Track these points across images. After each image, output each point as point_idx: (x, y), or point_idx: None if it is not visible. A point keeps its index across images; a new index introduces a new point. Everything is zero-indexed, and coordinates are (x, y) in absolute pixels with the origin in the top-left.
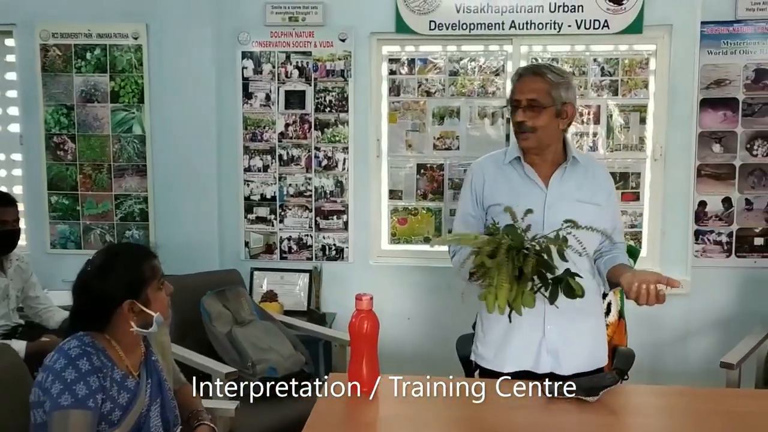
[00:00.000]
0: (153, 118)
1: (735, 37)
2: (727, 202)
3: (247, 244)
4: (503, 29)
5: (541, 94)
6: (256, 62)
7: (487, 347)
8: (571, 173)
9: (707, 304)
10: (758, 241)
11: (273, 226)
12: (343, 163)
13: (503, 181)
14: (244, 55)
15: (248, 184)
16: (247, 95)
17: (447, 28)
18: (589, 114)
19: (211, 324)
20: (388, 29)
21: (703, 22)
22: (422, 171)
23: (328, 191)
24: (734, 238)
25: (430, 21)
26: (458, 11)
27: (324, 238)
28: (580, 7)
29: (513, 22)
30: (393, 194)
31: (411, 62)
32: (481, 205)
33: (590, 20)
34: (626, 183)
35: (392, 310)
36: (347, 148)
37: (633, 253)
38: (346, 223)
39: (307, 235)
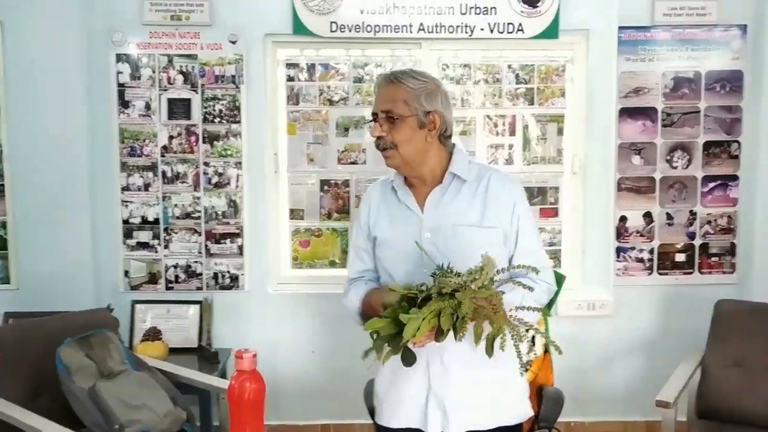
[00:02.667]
0: (10, 131)
1: (652, 43)
2: (648, 216)
3: (126, 273)
4: (411, 32)
5: (397, 104)
6: (134, 66)
7: (377, 398)
8: (455, 193)
9: (630, 325)
10: (680, 257)
11: (157, 252)
12: (237, 180)
13: (384, 209)
14: (119, 58)
15: (127, 205)
16: (124, 104)
17: (350, 30)
18: (504, 125)
19: (70, 379)
20: (285, 31)
21: (620, 28)
22: (326, 188)
23: (219, 212)
24: (656, 254)
25: (331, 22)
26: (362, 12)
27: (216, 264)
28: (493, 9)
29: (422, 24)
30: (294, 214)
31: (311, 67)
32: (370, 239)
33: (504, 23)
34: (544, 198)
35: (294, 343)
36: (240, 163)
37: (559, 280)
38: (241, 248)
39: (197, 262)
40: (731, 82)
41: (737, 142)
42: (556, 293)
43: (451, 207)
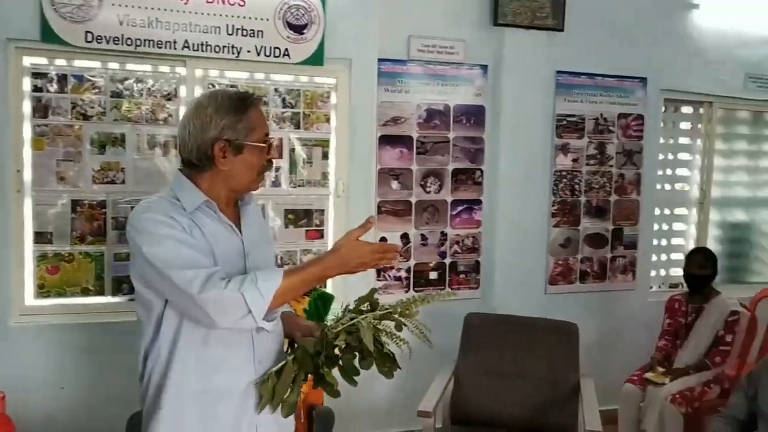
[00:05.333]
0: None
1: (408, 76)
2: (405, 237)
3: None
4: (175, 48)
5: None
6: None
7: None
8: (247, 211)
9: None
10: (433, 275)
11: None
12: None
13: (196, 231)
14: None
15: None
16: None
17: (107, 42)
18: None
19: None
20: (32, 37)
21: (380, 60)
22: (78, 209)
23: None
24: (412, 273)
25: (87, 32)
26: (122, 23)
27: None
28: (260, 33)
29: (186, 41)
30: (40, 237)
31: (62, 78)
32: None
33: (270, 47)
34: (310, 220)
35: (42, 380)
36: None
37: (326, 299)
38: None
39: None
40: (475, 115)
41: (480, 169)
42: (326, 312)
43: (254, 226)
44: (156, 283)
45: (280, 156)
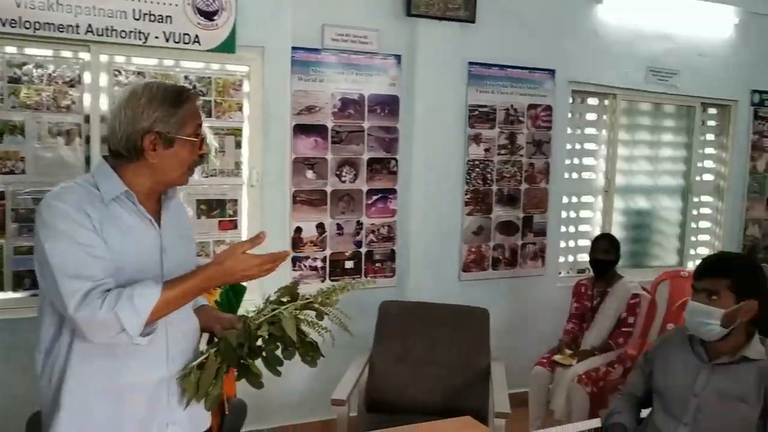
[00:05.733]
0: None
1: (322, 65)
2: (320, 227)
3: None
4: (78, 33)
5: None
6: None
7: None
8: (169, 206)
9: None
10: (349, 264)
11: None
12: None
13: (110, 222)
14: None
15: None
16: None
17: (3, 25)
18: None
19: None
20: None
21: (293, 48)
22: None
23: None
24: (328, 262)
25: None
26: (19, 5)
27: None
28: (169, 18)
29: (90, 26)
30: None
31: None
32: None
33: (180, 34)
34: (223, 210)
35: None
36: None
37: (238, 290)
38: None
39: None
40: (389, 105)
41: (395, 159)
42: (238, 304)
43: (174, 220)
44: (49, 280)
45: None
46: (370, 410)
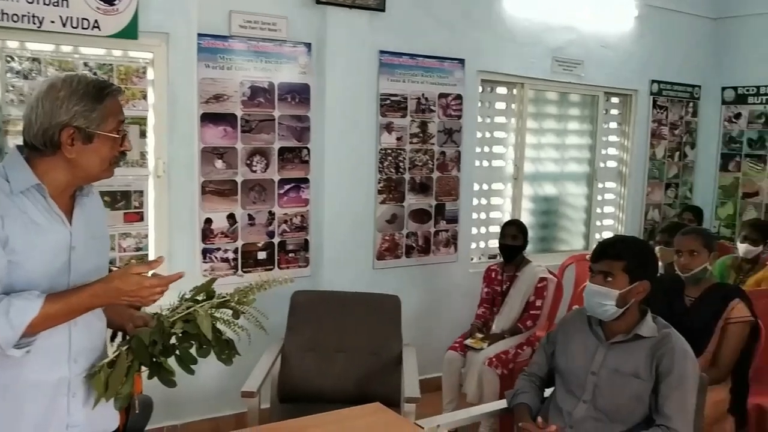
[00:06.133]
0: None
1: (230, 52)
2: (231, 218)
3: None
4: None
5: None
6: None
7: None
8: (83, 202)
9: None
10: (261, 255)
11: None
12: None
13: (15, 217)
14: None
15: None
16: None
17: None
18: None
19: None
20: None
21: (200, 35)
22: None
23: None
24: (240, 253)
25: None
26: None
27: None
28: (65, 2)
29: None
30: None
31: None
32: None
33: (78, 18)
34: (128, 202)
35: None
36: None
37: None
38: None
39: None
40: (300, 93)
41: (307, 148)
42: None
43: (87, 217)
44: None
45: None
46: (283, 401)
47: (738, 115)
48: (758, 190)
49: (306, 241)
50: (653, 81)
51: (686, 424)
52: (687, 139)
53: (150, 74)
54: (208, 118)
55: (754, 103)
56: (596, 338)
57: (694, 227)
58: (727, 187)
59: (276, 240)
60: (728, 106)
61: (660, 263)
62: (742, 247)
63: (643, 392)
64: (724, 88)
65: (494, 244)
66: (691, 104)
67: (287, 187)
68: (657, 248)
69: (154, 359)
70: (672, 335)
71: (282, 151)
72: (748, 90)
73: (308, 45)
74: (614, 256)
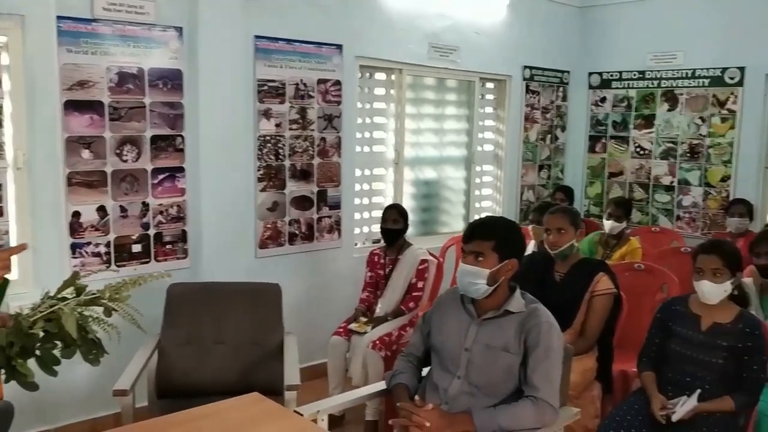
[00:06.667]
0: None
1: (95, 36)
2: (102, 210)
3: None
4: None
5: None
6: None
7: None
8: None
9: None
10: (136, 248)
11: None
12: None
13: None
14: None
15: None
16: None
17: None
18: None
19: None
20: None
21: (60, 17)
22: None
23: None
24: (112, 247)
25: None
26: None
27: None
28: None
29: None
30: None
31: None
32: None
33: None
34: None
35: None
36: None
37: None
38: None
39: None
40: (172, 79)
41: (181, 136)
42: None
43: None
44: None
45: None
46: (161, 397)
47: (603, 99)
48: (622, 170)
49: (184, 232)
50: (525, 67)
51: (553, 394)
52: (558, 123)
53: (4, 59)
54: (72, 106)
55: (617, 88)
56: (469, 316)
57: (561, 206)
58: (595, 168)
59: (152, 232)
60: (594, 90)
61: (534, 241)
62: (607, 224)
63: (513, 365)
64: (590, 74)
65: (377, 228)
66: (561, 89)
67: (161, 176)
68: (530, 227)
69: (11, 362)
70: (539, 310)
71: (154, 139)
72: (611, 75)
73: (179, 29)
74: (484, 236)
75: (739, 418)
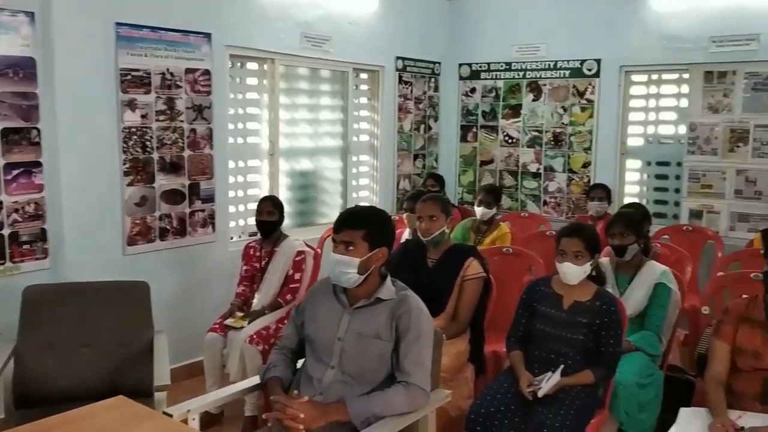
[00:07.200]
0: None
1: None
2: None
3: None
4: None
5: None
6: None
7: None
8: None
9: None
10: None
11: None
12: None
13: None
14: None
15: None
16: None
17: None
18: None
19: None
20: None
21: None
22: None
23: None
24: None
25: None
26: None
27: None
28: None
29: None
30: None
31: None
32: None
33: None
34: None
35: None
36: None
37: None
38: None
39: None
40: (24, 68)
41: (37, 128)
42: None
43: None
44: None
45: None
46: (20, 407)
47: (473, 90)
48: (493, 158)
49: (43, 231)
50: (398, 57)
51: (424, 378)
52: (430, 113)
53: None
54: None
55: (486, 78)
56: (341, 305)
57: (433, 194)
58: (467, 156)
59: (6, 231)
60: (464, 81)
61: (408, 229)
62: (479, 210)
63: (385, 352)
64: (460, 65)
65: (254, 221)
66: (432, 80)
67: (15, 172)
68: (405, 215)
69: None
70: (409, 296)
71: (6, 132)
72: (480, 66)
73: (31, 14)
74: (354, 225)
75: (599, 389)
